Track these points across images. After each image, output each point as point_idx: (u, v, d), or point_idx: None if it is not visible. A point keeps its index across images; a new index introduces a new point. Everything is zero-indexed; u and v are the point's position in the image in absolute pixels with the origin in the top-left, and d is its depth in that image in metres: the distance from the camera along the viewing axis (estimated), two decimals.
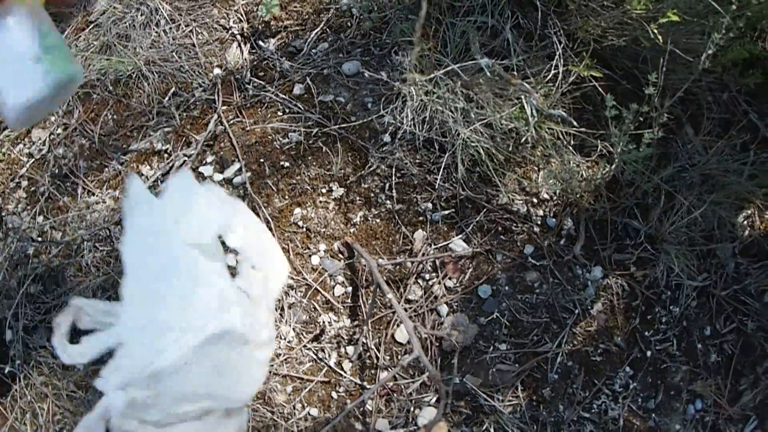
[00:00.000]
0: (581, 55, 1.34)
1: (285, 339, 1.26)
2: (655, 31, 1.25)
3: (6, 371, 1.36)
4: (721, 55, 1.31)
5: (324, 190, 1.35)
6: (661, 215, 1.29)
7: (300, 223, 1.33)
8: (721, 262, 1.32)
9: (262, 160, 1.37)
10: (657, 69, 1.26)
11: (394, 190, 1.31)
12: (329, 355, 1.26)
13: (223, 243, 0.78)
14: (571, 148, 1.33)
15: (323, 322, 1.27)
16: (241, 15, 1.52)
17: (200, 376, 0.71)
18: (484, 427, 1.19)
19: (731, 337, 1.28)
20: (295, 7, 1.50)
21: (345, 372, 1.25)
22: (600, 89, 1.34)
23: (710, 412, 1.22)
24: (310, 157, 1.37)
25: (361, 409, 1.22)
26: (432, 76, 1.28)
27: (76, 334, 0.79)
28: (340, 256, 1.31)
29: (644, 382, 1.24)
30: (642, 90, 1.34)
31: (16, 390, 1.35)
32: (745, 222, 1.36)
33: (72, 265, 1.42)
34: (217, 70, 1.47)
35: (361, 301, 1.28)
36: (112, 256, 1.41)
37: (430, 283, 1.28)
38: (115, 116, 1.50)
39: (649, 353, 1.25)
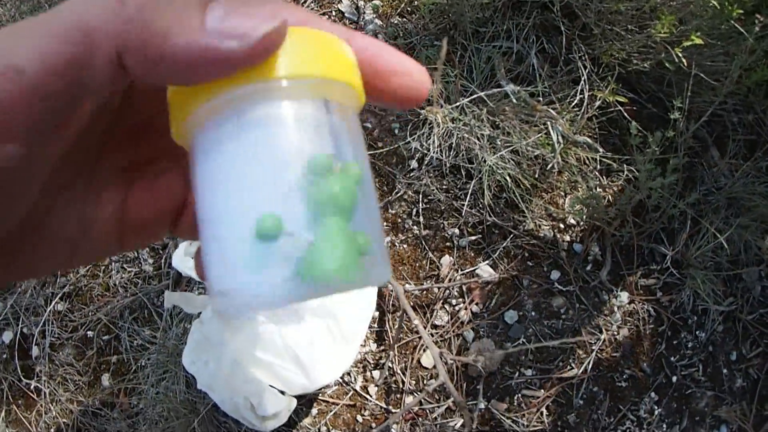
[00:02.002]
0: (606, 79, 1.34)
1: None
2: (680, 54, 1.26)
3: (32, 387, 1.40)
4: (745, 77, 1.31)
5: None
6: (687, 240, 1.30)
7: None
8: (747, 286, 1.33)
9: None
10: (682, 92, 1.27)
11: (421, 216, 1.33)
12: (355, 379, 1.28)
13: None
14: (597, 173, 1.33)
15: None
16: None
17: None
18: None
19: (757, 362, 1.28)
20: None
21: (371, 396, 1.27)
22: (625, 114, 1.34)
23: None
24: None
25: None
26: (458, 103, 1.29)
27: None
28: None
29: (669, 407, 1.24)
30: (667, 113, 1.34)
31: (41, 405, 1.38)
32: None
33: (100, 285, 1.45)
34: None
35: (387, 326, 1.29)
36: (140, 277, 1.44)
37: (457, 308, 1.29)
38: None
39: (674, 378, 1.26)
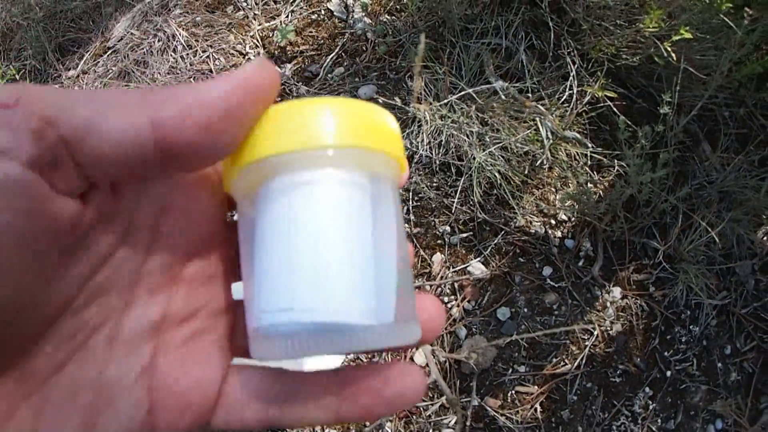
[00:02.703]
0: (596, 74, 1.34)
1: None
2: (669, 48, 1.25)
3: None
4: (735, 71, 1.31)
5: None
6: (679, 234, 1.29)
7: None
8: (740, 279, 1.32)
9: None
10: (672, 87, 1.26)
11: (411, 214, 1.33)
12: None
13: None
14: (587, 168, 1.33)
15: None
16: (257, 40, 1.53)
17: None
18: None
19: (751, 355, 1.28)
20: (311, 32, 1.51)
21: None
22: (615, 109, 1.34)
23: None
24: None
25: (380, 431, 1.24)
26: (447, 100, 1.29)
27: None
28: None
29: (664, 402, 1.24)
30: (658, 108, 1.34)
31: None
32: (765, 238, 1.35)
33: None
34: None
35: None
36: None
37: (449, 305, 1.29)
38: None
39: (668, 373, 1.25)
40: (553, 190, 1.33)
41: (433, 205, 1.33)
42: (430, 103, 1.29)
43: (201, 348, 0.26)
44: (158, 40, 1.55)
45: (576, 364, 1.24)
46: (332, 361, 1.16)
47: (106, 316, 0.24)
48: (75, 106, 0.19)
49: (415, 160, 1.33)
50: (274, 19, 1.55)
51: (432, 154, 1.30)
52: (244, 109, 0.22)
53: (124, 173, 0.21)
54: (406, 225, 1.33)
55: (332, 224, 0.23)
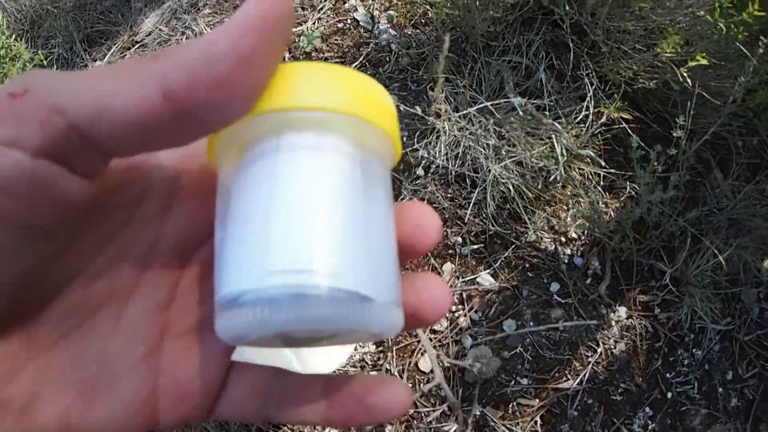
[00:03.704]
0: (612, 96, 1.37)
1: None
2: (685, 74, 1.28)
3: None
4: (749, 99, 1.33)
5: None
6: (687, 258, 1.31)
7: None
8: (745, 306, 1.34)
9: None
10: (686, 112, 1.29)
11: None
12: None
13: None
14: (600, 188, 1.35)
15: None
16: None
17: None
18: None
19: (753, 382, 1.29)
20: (336, 40, 1.54)
21: None
22: (629, 131, 1.36)
23: None
24: None
25: None
26: (466, 111, 1.32)
27: None
28: None
29: (663, 423, 1.25)
30: (672, 132, 1.36)
31: None
32: None
33: None
34: None
35: None
36: None
37: (456, 315, 1.31)
38: None
39: (669, 395, 1.26)
40: (565, 207, 1.36)
41: (447, 216, 1.35)
42: (450, 115, 1.31)
43: (207, 337, 0.25)
44: (186, 38, 1.58)
45: (578, 380, 1.26)
46: (334, 361, 1.18)
47: (115, 291, 0.24)
48: (83, 89, 0.19)
49: (432, 170, 1.35)
50: (301, 24, 1.58)
51: (449, 164, 1.32)
52: (259, 55, 0.20)
53: (141, 146, 0.21)
54: None
55: (319, 188, 0.22)
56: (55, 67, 1.70)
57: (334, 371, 1.26)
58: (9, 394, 0.21)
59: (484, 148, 1.31)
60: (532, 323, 1.29)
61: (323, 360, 1.14)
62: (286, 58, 1.55)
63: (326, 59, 1.52)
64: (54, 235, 0.21)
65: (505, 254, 1.33)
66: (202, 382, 0.25)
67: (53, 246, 0.21)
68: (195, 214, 0.26)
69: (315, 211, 0.21)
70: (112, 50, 1.68)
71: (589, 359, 1.27)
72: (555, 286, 1.32)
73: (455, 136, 1.31)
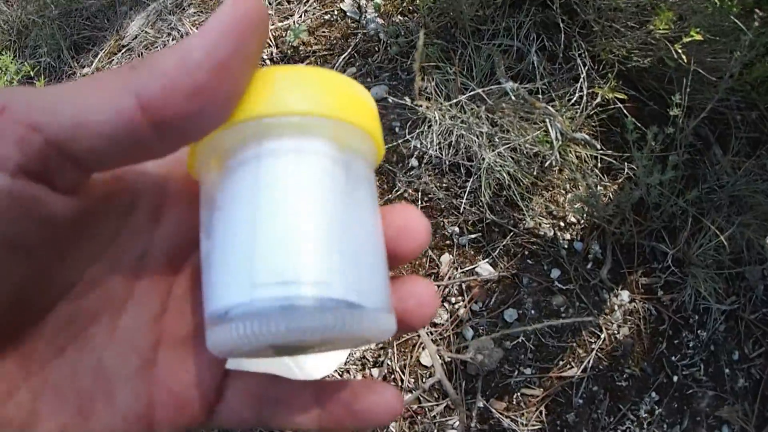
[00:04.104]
0: (606, 76, 1.34)
1: None
2: (679, 50, 1.25)
3: None
4: (746, 74, 1.30)
5: None
6: (688, 238, 1.29)
7: None
8: (750, 284, 1.31)
9: None
10: (682, 89, 1.26)
11: None
12: (354, 377, 1.28)
13: None
14: (597, 171, 1.33)
15: None
16: (270, 40, 1.54)
17: None
18: None
19: (759, 362, 1.27)
20: (323, 32, 1.52)
21: None
22: (625, 111, 1.34)
23: None
24: None
25: (385, 431, 1.24)
26: (457, 100, 1.29)
27: None
28: None
29: (670, 407, 1.23)
30: (669, 110, 1.33)
31: None
32: None
33: None
34: None
35: None
36: None
37: (456, 306, 1.29)
38: None
39: (675, 378, 1.25)
40: (563, 192, 1.33)
41: (443, 206, 1.33)
42: (441, 104, 1.29)
43: (203, 345, 0.25)
44: (172, 39, 1.56)
45: (582, 367, 1.24)
46: (333, 362, 1.17)
47: (108, 302, 0.24)
48: (60, 105, 0.18)
49: (425, 161, 1.33)
50: (288, 18, 1.56)
51: (442, 154, 1.30)
52: (235, 61, 0.20)
53: (122, 159, 0.21)
54: None
55: (302, 195, 0.21)
56: (43, 77, 1.69)
57: (333, 372, 1.25)
58: (8, 413, 0.21)
59: (477, 136, 1.28)
60: (533, 311, 1.28)
61: (322, 362, 1.13)
62: (274, 53, 1.53)
63: (314, 52, 1.50)
64: (41, 251, 0.20)
65: (504, 242, 1.31)
66: (199, 391, 0.25)
67: (41, 262, 0.21)
68: (184, 221, 0.26)
69: (299, 219, 0.21)
70: (99, 56, 1.67)
71: (593, 345, 1.26)
72: (555, 273, 1.30)
73: (447, 125, 1.29)
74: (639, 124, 1.31)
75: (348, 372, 1.28)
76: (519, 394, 1.24)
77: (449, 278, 1.30)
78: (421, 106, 1.23)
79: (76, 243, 0.22)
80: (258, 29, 0.20)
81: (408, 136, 1.35)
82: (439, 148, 1.30)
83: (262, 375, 0.27)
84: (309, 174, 0.22)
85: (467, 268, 1.31)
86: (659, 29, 1.26)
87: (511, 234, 1.31)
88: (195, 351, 0.25)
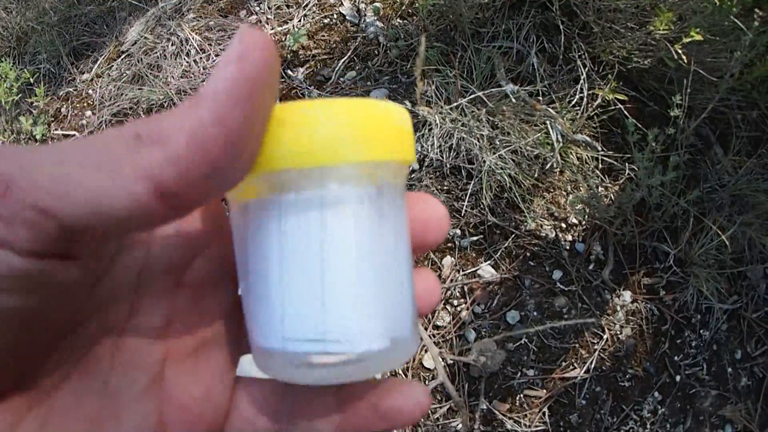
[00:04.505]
0: (607, 77, 1.34)
1: None
2: (680, 51, 1.25)
3: None
4: (747, 73, 1.30)
5: None
6: (690, 238, 1.29)
7: None
8: (752, 283, 1.31)
9: None
10: (683, 89, 1.26)
11: None
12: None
13: None
14: (598, 172, 1.33)
15: None
16: None
17: None
18: None
19: (762, 360, 1.27)
20: (323, 36, 1.52)
21: None
22: (626, 112, 1.34)
23: None
24: None
25: None
26: (457, 103, 1.30)
27: None
28: None
29: (673, 407, 1.24)
30: (669, 111, 1.33)
31: None
32: None
33: None
34: None
35: None
36: None
37: (458, 309, 1.29)
38: None
39: (678, 378, 1.25)
40: (564, 193, 1.34)
41: None
42: (441, 107, 1.29)
43: (210, 357, 0.25)
44: (171, 44, 1.56)
45: (585, 368, 1.25)
46: None
47: (110, 323, 0.23)
48: (71, 189, 0.17)
49: (426, 164, 1.34)
50: (287, 23, 1.56)
51: (443, 157, 1.30)
52: (251, 124, 0.19)
53: (135, 232, 0.21)
54: None
55: (327, 246, 0.21)
56: (42, 83, 1.69)
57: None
58: None
59: (477, 139, 1.29)
60: (535, 313, 1.28)
61: None
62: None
63: (314, 56, 1.50)
64: (52, 309, 0.20)
65: (505, 244, 1.31)
66: (210, 403, 0.24)
67: (50, 315, 0.21)
68: (180, 233, 0.25)
69: (324, 273, 0.21)
70: (98, 62, 1.67)
71: (595, 346, 1.26)
72: (557, 274, 1.30)
73: (448, 129, 1.29)
74: (640, 125, 1.31)
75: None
76: (522, 395, 1.24)
77: (451, 281, 1.30)
78: (422, 111, 1.23)
79: (82, 285, 0.22)
80: (271, 79, 0.19)
81: None
82: (440, 151, 1.30)
83: (273, 381, 0.26)
84: (332, 224, 0.21)
85: (469, 271, 1.31)
86: (659, 30, 1.26)
87: (513, 236, 1.31)
88: (203, 363, 0.25)
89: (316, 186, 0.21)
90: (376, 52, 1.47)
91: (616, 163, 1.32)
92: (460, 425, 1.22)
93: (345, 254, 0.22)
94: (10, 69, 1.53)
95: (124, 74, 1.60)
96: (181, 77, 1.53)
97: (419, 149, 1.32)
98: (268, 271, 0.22)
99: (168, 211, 0.19)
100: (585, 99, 1.32)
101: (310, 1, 1.58)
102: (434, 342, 1.27)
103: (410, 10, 1.48)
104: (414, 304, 0.25)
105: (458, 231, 1.32)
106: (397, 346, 0.23)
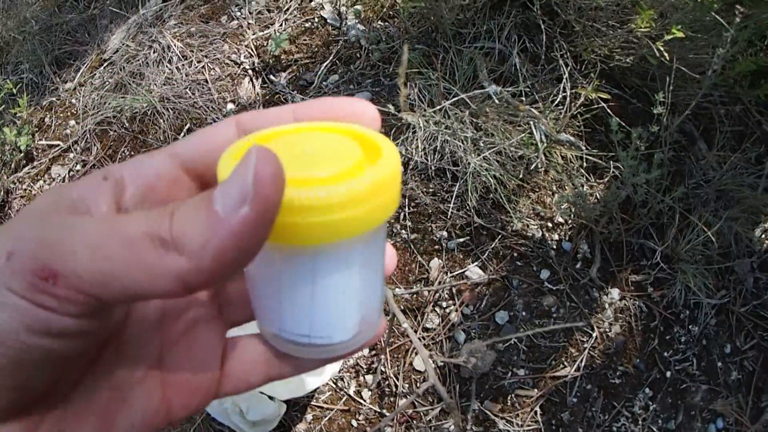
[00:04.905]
0: (589, 76, 1.34)
1: None
2: (661, 48, 1.25)
3: None
4: (729, 69, 1.30)
5: None
6: (676, 234, 1.29)
7: None
8: (739, 278, 1.32)
9: None
10: (666, 86, 1.26)
11: (408, 220, 1.33)
12: (348, 384, 1.28)
13: None
14: (583, 171, 1.33)
15: None
16: (252, 50, 1.54)
17: None
18: None
19: (752, 354, 1.28)
20: (305, 40, 1.52)
21: (364, 400, 1.27)
22: (609, 111, 1.34)
23: (732, 431, 1.22)
24: None
25: None
26: (441, 106, 1.29)
27: None
28: None
29: (664, 403, 1.24)
30: (653, 107, 1.33)
31: None
32: (763, 236, 1.35)
33: None
34: (230, 105, 1.49)
35: None
36: None
37: (447, 310, 1.29)
38: (132, 152, 1.53)
39: (668, 374, 1.25)
40: (549, 193, 1.34)
41: (430, 211, 1.33)
42: (424, 110, 1.29)
43: (199, 334, 0.28)
44: (153, 52, 1.55)
45: (575, 366, 1.25)
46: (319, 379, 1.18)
47: (114, 327, 0.26)
48: (109, 283, 0.21)
49: (411, 167, 1.33)
50: (268, 28, 1.56)
51: (427, 160, 1.30)
52: (263, 238, 0.22)
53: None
54: (403, 231, 1.34)
55: (344, 280, 0.26)
56: (26, 93, 1.68)
57: (328, 381, 1.25)
58: None
59: (461, 141, 1.28)
60: (524, 313, 1.28)
61: (316, 372, 1.13)
62: (256, 63, 1.52)
63: (296, 61, 1.50)
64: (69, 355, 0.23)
65: (492, 245, 1.31)
66: (204, 373, 0.28)
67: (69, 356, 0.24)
68: None
69: (313, 300, 0.26)
70: (81, 70, 1.66)
71: (585, 345, 1.26)
72: (545, 274, 1.30)
73: (431, 132, 1.29)
74: (623, 123, 1.31)
75: (342, 379, 1.28)
76: (513, 395, 1.24)
77: (439, 283, 1.30)
78: (408, 117, 1.22)
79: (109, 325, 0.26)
80: (281, 198, 0.21)
81: (394, 143, 1.34)
82: (424, 154, 1.30)
83: (258, 336, 0.29)
84: (322, 271, 0.26)
85: (457, 272, 1.31)
86: (641, 28, 1.27)
87: (500, 236, 1.31)
88: (194, 341, 0.28)
89: (309, 250, 0.25)
90: (358, 55, 1.47)
91: (600, 161, 1.33)
92: (453, 427, 1.22)
93: (329, 289, 0.26)
94: None
95: (107, 83, 1.59)
96: (164, 84, 1.52)
97: (403, 152, 1.32)
98: (269, 292, 0.27)
99: (187, 293, 0.22)
100: (568, 98, 1.32)
101: (291, 6, 1.58)
102: (424, 344, 1.26)
103: (391, 13, 1.48)
104: (382, 296, 0.30)
105: (445, 233, 1.32)
106: (364, 329, 0.28)
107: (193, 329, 0.29)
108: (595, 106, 1.34)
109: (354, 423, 1.26)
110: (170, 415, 0.27)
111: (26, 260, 0.20)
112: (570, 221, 1.32)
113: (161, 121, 1.51)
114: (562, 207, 1.28)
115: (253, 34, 1.55)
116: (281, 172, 0.21)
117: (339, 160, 0.25)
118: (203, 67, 1.53)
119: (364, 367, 1.29)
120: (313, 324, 0.27)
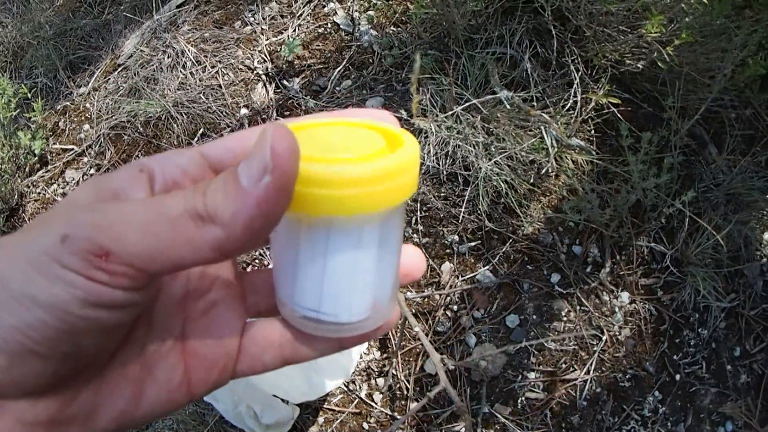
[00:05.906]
0: (600, 81, 1.35)
1: None
2: (671, 53, 1.26)
3: None
4: (739, 73, 1.31)
5: None
6: (686, 238, 1.30)
7: None
8: (749, 281, 1.33)
9: None
10: (676, 91, 1.27)
11: (420, 224, 1.34)
12: (360, 387, 1.30)
13: None
14: (593, 175, 1.34)
15: None
16: (265, 55, 1.55)
17: None
18: None
19: (761, 357, 1.29)
20: (318, 45, 1.53)
21: (376, 403, 1.28)
22: (620, 115, 1.35)
23: None
24: None
25: None
26: (452, 111, 1.31)
27: None
28: None
29: (673, 406, 1.25)
30: (663, 112, 1.34)
31: None
32: None
33: None
34: (243, 110, 1.51)
35: (390, 333, 1.31)
36: None
37: (458, 314, 1.31)
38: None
39: (677, 377, 1.26)
40: (561, 197, 1.35)
41: (441, 215, 1.34)
42: (436, 116, 1.30)
43: (219, 314, 0.31)
44: (167, 57, 1.57)
45: (585, 369, 1.26)
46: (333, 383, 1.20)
47: (148, 304, 0.29)
48: (156, 256, 0.24)
49: (423, 171, 1.35)
50: (282, 33, 1.57)
51: (439, 164, 1.32)
52: (285, 205, 0.24)
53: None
54: (415, 235, 1.35)
55: (355, 258, 0.28)
56: (40, 97, 1.70)
57: (341, 384, 1.27)
58: (73, 410, 0.26)
59: (473, 146, 1.30)
60: (534, 316, 1.29)
61: (330, 376, 1.15)
62: (269, 68, 1.54)
63: (309, 66, 1.51)
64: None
65: (503, 249, 1.32)
66: (222, 349, 0.30)
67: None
68: None
69: (324, 275, 0.28)
70: (95, 75, 1.68)
71: (595, 348, 1.27)
72: (555, 277, 1.31)
73: (443, 137, 1.31)
74: (633, 128, 1.32)
75: (353, 382, 1.30)
76: (523, 398, 1.25)
77: (450, 286, 1.31)
78: (421, 122, 1.24)
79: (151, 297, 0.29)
80: (297, 166, 0.24)
81: None
82: (436, 159, 1.31)
83: (274, 320, 0.32)
84: (335, 247, 0.28)
85: (468, 276, 1.32)
86: (651, 33, 1.27)
87: (510, 240, 1.32)
88: (213, 320, 0.31)
89: (325, 222, 0.27)
90: (370, 60, 1.48)
91: (611, 166, 1.34)
92: (463, 430, 1.24)
93: (340, 265, 0.28)
94: (7, 84, 1.54)
95: (121, 87, 1.61)
96: (178, 89, 1.54)
97: None
98: (288, 264, 0.29)
99: (224, 259, 0.25)
100: (579, 103, 1.33)
101: (304, 11, 1.59)
102: (435, 348, 1.28)
103: (404, 18, 1.49)
104: (395, 282, 0.31)
105: (456, 237, 1.34)
106: (374, 315, 0.30)
107: (214, 308, 0.31)
108: (606, 110, 1.35)
109: (365, 426, 1.27)
110: (191, 390, 0.30)
111: (81, 240, 0.23)
112: (580, 225, 1.33)
113: (175, 126, 1.53)
114: (573, 211, 1.29)
115: (267, 40, 1.57)
116: (295, 144, 0.24)
117: (362, 147, 0.27)
118: (217, 72, 1.54)
119: (376, 370, 1.30)
120: (323, 299, 0.29)
